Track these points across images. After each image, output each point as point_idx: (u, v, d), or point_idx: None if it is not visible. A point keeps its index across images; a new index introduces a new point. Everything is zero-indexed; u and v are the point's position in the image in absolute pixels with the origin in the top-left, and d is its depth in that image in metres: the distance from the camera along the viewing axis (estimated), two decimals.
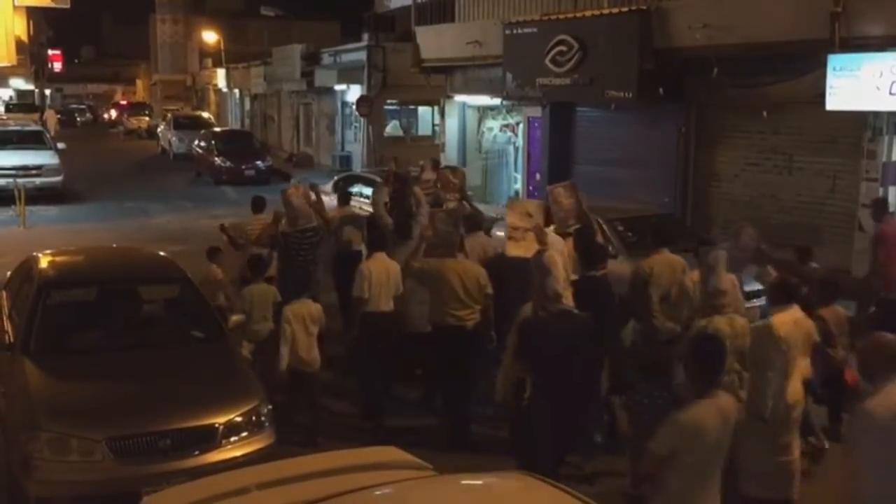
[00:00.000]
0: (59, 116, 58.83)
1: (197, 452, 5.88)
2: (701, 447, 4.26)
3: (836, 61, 11.01)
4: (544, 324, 5.72)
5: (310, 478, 4.11)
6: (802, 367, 5.71)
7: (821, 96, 11.26)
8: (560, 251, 7.18)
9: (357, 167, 25.28)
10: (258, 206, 9.83)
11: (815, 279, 7.55)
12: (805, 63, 11.96)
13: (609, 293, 7.03)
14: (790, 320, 5.55)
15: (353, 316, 7.79)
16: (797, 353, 5.43)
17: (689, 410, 4.29)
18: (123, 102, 69.28)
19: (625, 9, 14.21)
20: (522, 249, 7.52)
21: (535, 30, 15.98)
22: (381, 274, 7.71)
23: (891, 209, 10.91)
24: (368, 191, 12.45)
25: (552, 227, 8.34)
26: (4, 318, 7.56)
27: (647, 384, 6.03)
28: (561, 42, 15.15)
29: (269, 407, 6.39)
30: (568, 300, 6.08)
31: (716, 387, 4.38)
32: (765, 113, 12.69)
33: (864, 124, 11.67)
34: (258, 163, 26.31)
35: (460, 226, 8.01)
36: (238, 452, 5.98)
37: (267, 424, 6.27)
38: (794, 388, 5.63)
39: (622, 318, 7.52)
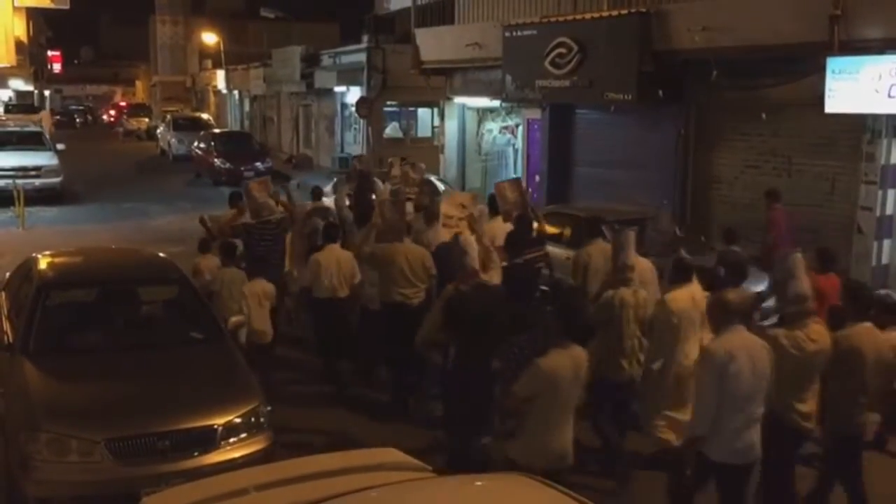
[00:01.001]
0: (57, 118, 58.95)
1: (196, 453, 5.87)
2: (554, 390, 5.01)
3: (835, 64, 11.03)
4: (464, 295, 6.55)
5: (308, 479, 4.11)
6: (702, 337, 6.15)
7: (820, 99, 11.28)
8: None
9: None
10: (234, 200, 10.61)
11: (728, 262, 7.94)
12: (804, 66, 11.98)
13: (531, 277, 8.15)
14: (687, 296, 6.12)
15: (303, 302, 8.70)
16: (690, 325, 6.05)
17: (546, 358, 5.01)
18: (123, 103, 69.27)
19: (624, 11, 14.23)
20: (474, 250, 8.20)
21: (534, 32, 16.00)
22: (332, 264, 8.56)
23: (889, 213, 10.96)
24: None
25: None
26: (3, 319, 7.54)
27: (519, 339, 6.85)
28: (560, 44, 15.18)
29: (268, 408, 6.39)
30: (492, 278, 7.31)
31: (572, 340, 5.11)
32: (764, 115, 12.72)
33: (862, 127, 11.68)
34: (258, 164, 26.29)
35: (405, 214, 8.83)
36: (237, 454, 5.97)
37: (266, 426, 6.27)
38: (687, 355, 6.23)
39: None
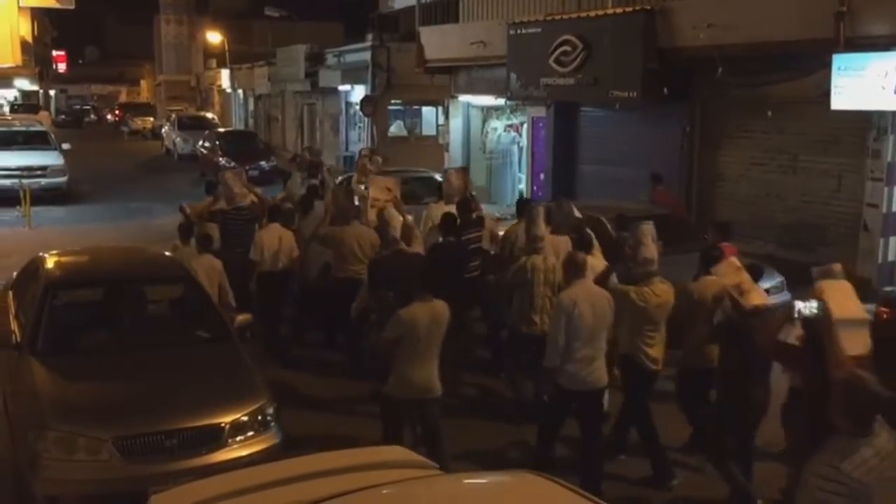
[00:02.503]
0: (62, 117, 59.07)
1: (203, 452, 5.89)
2: (414, 334, 6.19)
3: (840, 61, 11.00)
4: (385, 260, 8.09)
5: (315, 477, 4.11)
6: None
7: (825, 96, 11.25)
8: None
9: None
10: (210, 188, 11.65)
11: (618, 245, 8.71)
12: (810, 62, 11.96)
13: (459, 254, 9.03)
14: (585, 292, 6.51)
15: (250, 274, 9.62)
16: (587, 312, 6.42)
17: (408, 309, 6.24)
18: (126, 103, 69.37)
19: (629, 8, 14.21)
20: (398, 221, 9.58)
21: (539, 30, 15.99)
22: (273, 240, 9.59)
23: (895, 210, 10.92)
24: None
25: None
26: (11, 318, 7.57)
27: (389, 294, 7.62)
28: (565, 42, 15.16)
29: (275, 406, 6.41)
30: (414, 249, 8.70)
31: (432, 293, 6.32)
32: (769, 112, 12.66)
33: (868, 124, 11.66)
34: (262, 163, 26.28)
35: (354, 200, 10.40)
36: (244, 452, 5.99)
37: (273, 424, 6.29)
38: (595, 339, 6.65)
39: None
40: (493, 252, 9.94)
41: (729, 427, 6.32)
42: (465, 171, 11.35)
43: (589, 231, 8.76)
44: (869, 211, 11.78)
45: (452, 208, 9.81)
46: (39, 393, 6.14)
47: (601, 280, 6.93)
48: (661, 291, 6.74)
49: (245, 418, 6.15)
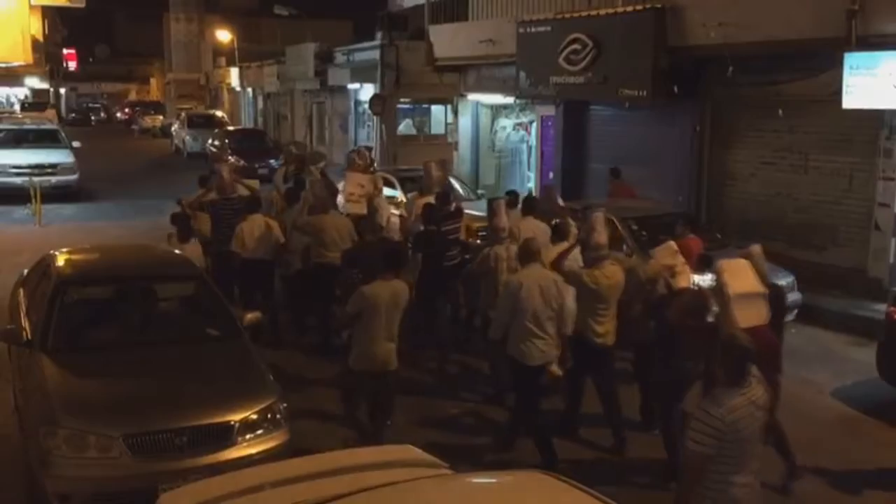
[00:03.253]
0: (72, 115, 59.27)
1: (213, 450, 5.88)
2: (374, 309, 6.65)
3: (852, 60, 10.92)
4: (370, 244, 8.80)
5: (325, 475, 4.12)
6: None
7: (837, 94, 11.18)
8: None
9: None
10: (203, 181, 12.31)
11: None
12: (821, 61, 11.90)
13: (438, 241, 9.60)
14: (534, 275, 6.98)
15: (231, 263, 10.04)
16: (535, 293, 6.89)
17: (370, 286, 6.71)
18: (137, 101, 69.59)
19: (639, 7, 14.15)
20: (358, 208, 10.78)
21: (548, 28, 15.94)
22: (254, 230, 9.95)
23: None
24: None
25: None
26: (22, 316, 7.61)
27: (354, 273, 8.30)
28: (575, 40, 15.12)
29: (285, 405, 6.41)
30: (393, 234, 9.66)
31: (393, 275, 6.83)
32: (780, 111, 12.60)
33: (880, 123, 11.59)
34: (271, 161, 26.31)
35: (332, 190, 11.11)
36: (254, 450, 5.99)
37: (283, 422, 6.29)
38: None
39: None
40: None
41: (660, 396, 7.01)
42: (444, 162, 11.89)
43: (569, 220, 9.31)
44: (880, 210, 11.71)
45: (432, 199, 10.38)
46: (50, 390, 6.15)
47: (558, 263, 7.57)
48: (612, 273, 7.33)
49: (255, 416, 6.15)
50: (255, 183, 12.12)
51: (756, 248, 6.94)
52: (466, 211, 11.31)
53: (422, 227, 9.81)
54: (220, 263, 10.32)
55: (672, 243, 7.61)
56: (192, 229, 10.19)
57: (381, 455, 4.50)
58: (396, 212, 11.49)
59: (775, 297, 6.74)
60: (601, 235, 7.38)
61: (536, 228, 9.16)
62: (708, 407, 4.27)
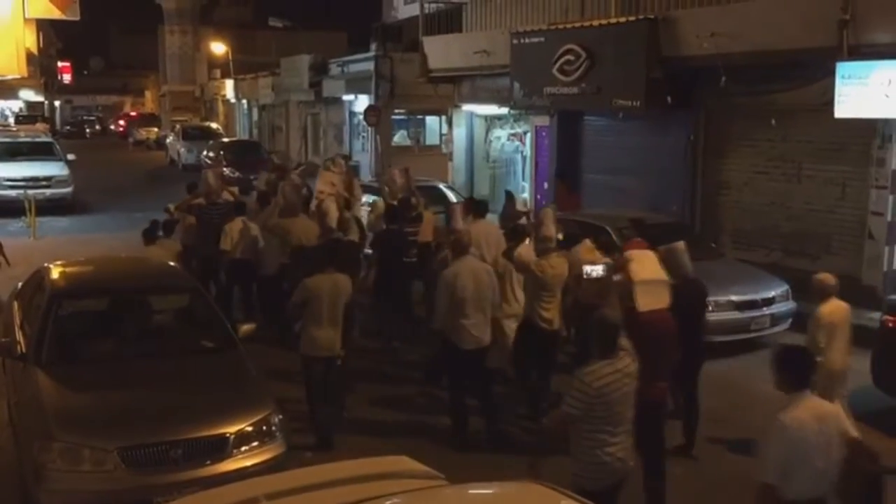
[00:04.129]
0: (67, 128, 59.24)
1: (208, 462, 5.88)
2: (318, 299, 7.48)
3: (844, 69, 10.98)
4: (321, 246, 9.17)
5: (320, 487, 4.11)
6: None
7: (829, 104, 11.23)
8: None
9: (365, 176, 25.32)
10: (191, 188, 13.17)
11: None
12: (813, 70, 11.96)
13: (398, 243, 10.55)
14: (467, 266, 7.67)
15: (219, 262, 11.12)
16: (468, 282, 7.58)
17: (313, 278, 7.55)
18: (133, 113, 69.59)
19: (632, 17, 14.22)
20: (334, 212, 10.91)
21: (542, 39, 16.01)
22: (236, 232, 10.93)
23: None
24: (370, 198, 13.66)
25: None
26: (16, 329, 7.59)
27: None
28: (568, 51, 15.16)
29: (280, 416, 6.40)
30: (352, 236, 10.37)
31: (335, 269, 7.66)
32: (773, 121, 12.67)
33: (873, 132, 11.65)
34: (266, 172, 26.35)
35: (301, 194, 11.71)
36: (249, 462, 5.99)
37: (278, 434, 6.28)
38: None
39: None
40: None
41: None
42: (407, 170, 12.69)
43: (524, 224, 10.36)
44: (874, 219, 11.76)
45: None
46: (44, 403, 6.13)
47: (507, 254, 8.39)
48: (557, 264, 8.05)
49: (250, 428, 6.14)
50: (234, 189, 13.41)
51: (680, 245, 7.53)
52: None
53: (384, 226, 10.90)
54: (203, 265, 11.27)
55: (588, 241, 8.71)
56: (156, 236, 10.84)
57: (376, 467, 4.50)
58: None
59: (697, 290, 7.53)
60: (549, 229, 8.24)
61: (487, 230, 9.89)
62: (581, 375, 5.02)
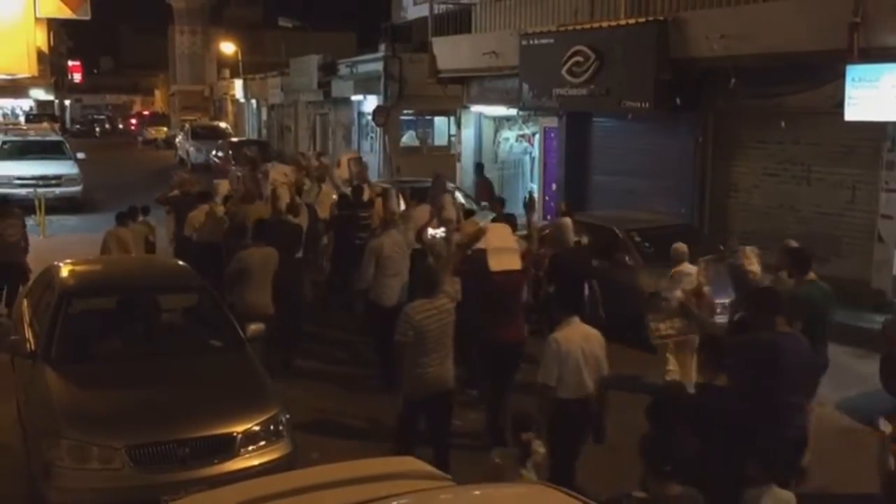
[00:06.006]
0: (76, 126, 59.43)
1: (215, 461, 5.90)
2: (249, 268, 8.70)
3: (854, 72, 10.95)
4: (270, 225, 9.87)
5: (327, 487, 4.11)
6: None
7: (839, 106, 11.20)
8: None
9: (373, 177, 25.31)
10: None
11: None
12: (823, 73, 11.91)
13: (349, 227, 11.53)
14: (389, 237, 9.08)
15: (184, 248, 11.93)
16: (390, 250, 9.04)
17: (246, 251, 8.89)
18: (146, 112, 69.82)
19: (642, 19, 14.20)
20: (282, 192, 11.77)
21: (551, 40, 15.99)
22: (199, 219, 11.85)
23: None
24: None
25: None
26: (26, 327, 7.62)
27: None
28: (577, 53, 15.15)
29: (287, 416, 6.41)
30: (301, 222, 11.13)
31: (266, 243, 8.93)
32: (783, 123, 12.61)
33: (883, 135, 11.60)
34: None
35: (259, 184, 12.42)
36: (256, 461, 6.00)
37: (285, 433, 6.29)
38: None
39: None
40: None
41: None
42: (360, 160, 14.21)
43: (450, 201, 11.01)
44: (883, 222, 11.71)
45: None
46: (53, 401, 6.16)
47: (421, 232, 9.30)
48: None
49: (257, 428, 6.15)
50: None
51: (566, 221, 9.74)
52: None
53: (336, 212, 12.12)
54: (181, 253, 11.92)
55: (475, 219, 9.96)
56: (127, 220, 11.91)
57: (384, 467, 4.50)
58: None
59: (579, 257, 9.61)
60: (449, 211, 9.41)
61: (421, 214, 10.49)
62: (407, 309, 6.46)
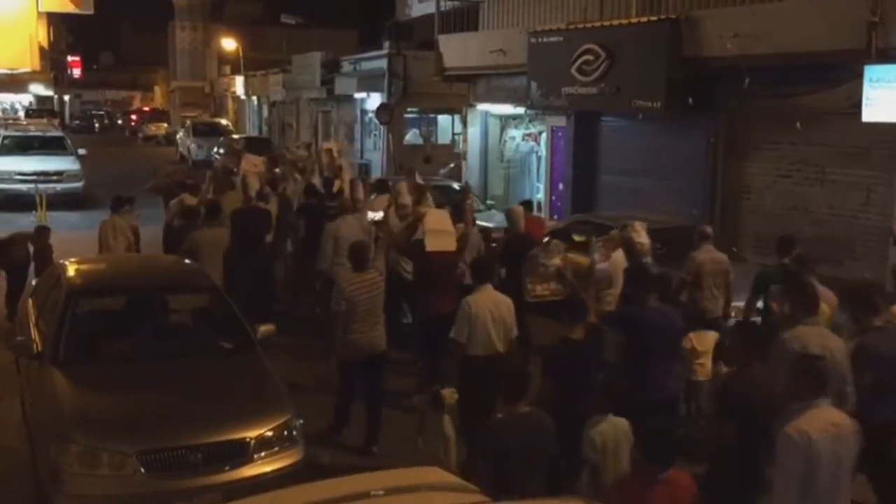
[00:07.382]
0: (76, 122, 59.21)
1: (228, 467, 5.75)
2: (200, 248, 9.66)
3: (872, 72, 10.80)
4: (241, 211, 10.70)
5: (348, 500, 3.95)
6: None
7: (856, 107, 11.04)
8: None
9: (376, 175, 25.15)
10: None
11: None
12: (840, 73, 11.74)
13: (318, 215, 11.64)
14: (347, 221, 10.03)
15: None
16: (348, 232, 9.82)
17: (199, 231, 10.11)
18: (146, 109, 69.60)
19: (654, 17, 14.03)
20: (252, 180, 12.33)
21: (560, 38, 15.82)
22: (177, 207, 12.48)
23: None
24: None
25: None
26: (32, 327, 7.44)
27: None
28: (587, 51, 14.98)
29: (300, 421, 6.25)
30: (271, 209, 11.76)
31: (217, 225, 10.19)
32: (798, 124, 12.43)
33: None
34: (276, 169, 26.20)
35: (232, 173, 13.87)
36: (269, 468, 5.85)
37: (298, 439, 6.14)
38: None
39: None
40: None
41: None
42: (330, 151, 14.60)
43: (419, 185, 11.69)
44: None
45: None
46: (61, 404, 5.99)
47: (385, 218, 9.78)
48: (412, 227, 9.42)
49: (270, 433, 6.00)
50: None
51: (518, 208, 10.75)
52: (478, 223, 11.50)
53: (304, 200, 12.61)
54: (165, 239, 12.73)
55: (386, 197, 11.02)
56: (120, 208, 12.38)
57: (409, 478, 4.33)
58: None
59: (526, 241, 9.80)
60: (404, 198, 10.13)
61: (381, 203, 11.18)
62: (340, 282, 7.35)
